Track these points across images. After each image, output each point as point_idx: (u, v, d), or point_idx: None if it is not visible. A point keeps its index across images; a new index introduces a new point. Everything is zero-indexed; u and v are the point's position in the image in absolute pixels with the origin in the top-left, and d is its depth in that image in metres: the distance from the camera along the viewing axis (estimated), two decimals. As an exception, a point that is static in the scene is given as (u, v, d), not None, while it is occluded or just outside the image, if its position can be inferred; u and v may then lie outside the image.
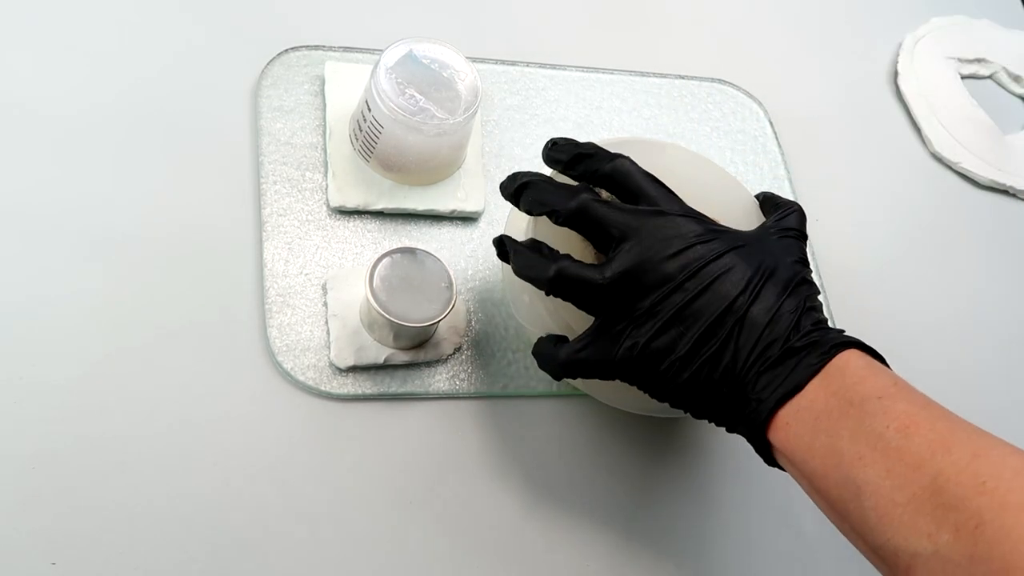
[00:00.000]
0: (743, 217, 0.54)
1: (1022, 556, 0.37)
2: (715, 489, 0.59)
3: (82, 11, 0.61)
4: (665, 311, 0.45)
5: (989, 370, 0.70)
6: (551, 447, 0.57)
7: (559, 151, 0.51)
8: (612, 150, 0.50)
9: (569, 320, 0.50)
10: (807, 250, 0.51)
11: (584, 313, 0.48)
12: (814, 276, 0.56)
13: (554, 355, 0.49)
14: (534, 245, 0.49)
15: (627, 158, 0.49)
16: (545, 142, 0.52)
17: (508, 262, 0.50)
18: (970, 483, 0.39)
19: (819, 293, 0.49)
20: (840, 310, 0.67)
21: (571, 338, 0.49)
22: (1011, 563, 0.37)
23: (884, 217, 0.74)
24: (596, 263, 0.47)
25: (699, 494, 0.59)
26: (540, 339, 0.51)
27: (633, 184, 0.48)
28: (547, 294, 0.48)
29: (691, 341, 0.45)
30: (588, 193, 0.48)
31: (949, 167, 0.79)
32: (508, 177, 0.51)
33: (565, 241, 0.50)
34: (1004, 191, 0.79)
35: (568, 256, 0.48)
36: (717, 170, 0.56)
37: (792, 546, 0.59)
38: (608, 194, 0.51)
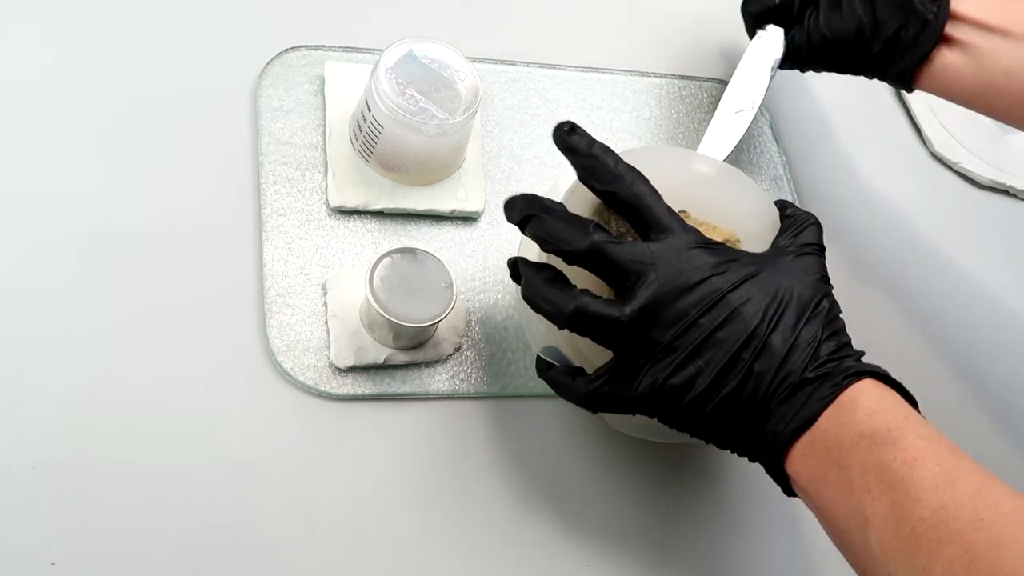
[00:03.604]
0: (766, 228, 0.53)
1: None
2: (715, 490, 0.59)
3: (82, 11, 0.61)
4: (684, 346, 0.45)
5: (989, 370, 0.70)
6: (551, 447, 0.57)
7: (576, 142, 0.48)
8: (632, 161, 0.48)
9: (588, 353, 0.50)
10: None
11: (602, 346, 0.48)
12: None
13: (573, 389, 0.49)
14: (551, 276, 0.47)
15: (645, 183, 0.47)
16: (561, 123, 0.49)
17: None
18: (969, 518, 0.39)
19: (840, 311, 0.48)
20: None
21: (587, 368, 0.49)
22: None
23: (884, 217, 0.74)
24: (615, 299, 0.46)
25: (699, 494, 0.59)
26: (555, 369, 0.50)
27: (649, 216, 0.47)
28: (560, 328, 0.47)
29: (711, 376, 0.45)
30: (599, 232, 0.46)
31: (949, 167, 0.79)
32: (508, 201, 0.49)
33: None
34: (1004, 191, 0.79)
35: (587, 291, 0.46)
36: (742, 179, 0.55)
37: (791, 552, 0.59)
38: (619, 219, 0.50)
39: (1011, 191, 0.79)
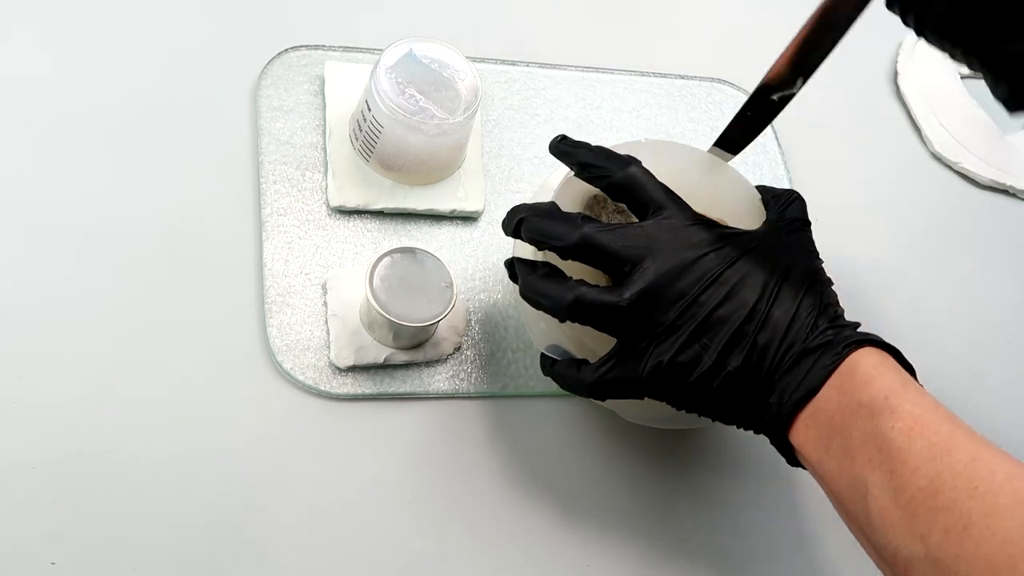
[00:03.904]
0: (753, 211, 0.54)
1: (1005, 557, 0.37)
2: (716, 490, 0.59)
3: (82, 11, 0.61)
4: (687, 325, 0.45)
5: (989, 369, 0.70)
6: (550, 446, 0.57)
7: (568, 145, 0.50)
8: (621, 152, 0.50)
9: (591, 344, 0.50)
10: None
11: (605, 335, 0.48)
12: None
13: (580, 379, 0.49)
14: (546, 272, 0.48)
15: (639, 165, 0.49)
16: (554, 136, 0.51)
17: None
18: (964, 486, 0.39)
19: (832, 284, 0.49)
20: (840, 310, 0.67)
21: (591, 359, 0.49)
22: (994, 563, 0.37)
23: (884, 217, 0.74)
24: (612, 286, 0.47)
25: (699, 492, 0.59)
26: (559, 363, 0.51)
27: (644, 195, 0.48)
28: (561, 320, 0.48)
29: (716, 352, 0.45)
30: (588, 223, 0.47)
31: (949, 167, 0.79)
32: (508, 213, 0.50)
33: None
34: (1004, 191, 0.79)
35: (583, 281, 0.47)
36: (721, 166, 0.56)
37: (796, 544, 0.59)
38: (615, 204, 0.50)
39: (1011, 191, 0.79)
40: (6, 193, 0.54)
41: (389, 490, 0.53)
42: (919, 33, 0.46)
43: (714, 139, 0.55)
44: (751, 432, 0.48)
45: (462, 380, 0.57)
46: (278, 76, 0.63)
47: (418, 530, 0.53)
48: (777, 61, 0.52)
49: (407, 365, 0.56)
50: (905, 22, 0.47)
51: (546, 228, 0.48)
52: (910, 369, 0.46)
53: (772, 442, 0.47)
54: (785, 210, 0.52)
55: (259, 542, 0.50)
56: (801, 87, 0.52)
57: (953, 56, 0.46)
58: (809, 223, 0.52)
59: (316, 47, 0.65)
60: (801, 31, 0.51)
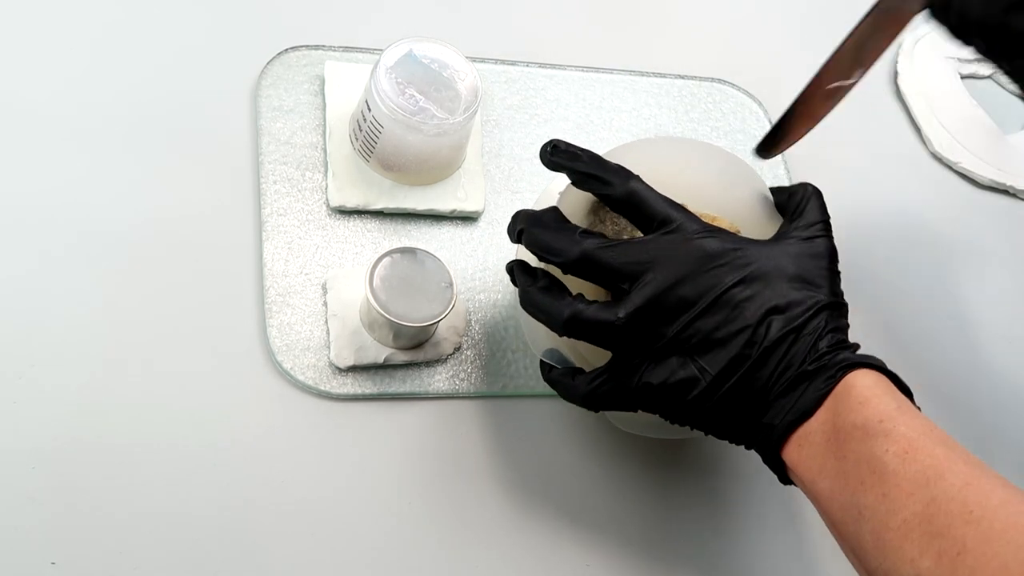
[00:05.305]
0: (763, 208, 0.52)
1: None
2: (714, 488, 0.59)
3: (82, 12, 0.61)
4: (684, 345, 0.45)
5: (989, 370, 0.70)
6: (551, 446, 0.57)
7: (562, 158, 0.49)
8: (623, 157, 0.48)
9: (587, 355, 0.50)
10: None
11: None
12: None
13: (574, 389, 0.49)
14: (545, 285, 0.48)
15: (639, 180, 0.47)
16: (544, 144, 0.49)
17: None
18: (958, 511, 0.39)
19: (844, 302, 0.48)
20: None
21: (588, 367, 0.49)
22: None
23: (884, 217, 0.74)
24: (609, 301, 0.46)
25: (698, 492, 0.59)
26: (556, 371, 0.50)
27: (648, 210, 0.46)
28: (559, 336, 0.47)
29: (713, 374, 0.45)
30: (589, 238, 0.46)
31: (949, 167, 0.79)
32: (512, 219, 0.49)
33: None
34: (1004, 191, 0.79)
35: (581, 297, 0.46)
36: (728, 159, 0.54)
37: (795, 548, 0.59)
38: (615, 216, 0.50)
39: (1011, 191, 0.79)
40: (5, 193, 0.54)
41: (389, 490, 0.53)
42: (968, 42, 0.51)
43: (711, 139, 0.55)
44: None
45: (462, 380, 0.57)
46: (278, 76, 0.63)
47: (418, 530, 0.53)
48: (834, 53, 0.52)
49: (407, 365, 0.56)
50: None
51: (546, 241, 0.47)
52: (907, 392, 0.45)
53: (764, 460, 0.47)
54: (803, 213, 0.50)
55: (259, 542, 0.50)
56: (859, 78, 0.52)
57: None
58: (829, 223, 0.50)
59: (316, 47, 0.65)
60: (860, 24, 0.52)
